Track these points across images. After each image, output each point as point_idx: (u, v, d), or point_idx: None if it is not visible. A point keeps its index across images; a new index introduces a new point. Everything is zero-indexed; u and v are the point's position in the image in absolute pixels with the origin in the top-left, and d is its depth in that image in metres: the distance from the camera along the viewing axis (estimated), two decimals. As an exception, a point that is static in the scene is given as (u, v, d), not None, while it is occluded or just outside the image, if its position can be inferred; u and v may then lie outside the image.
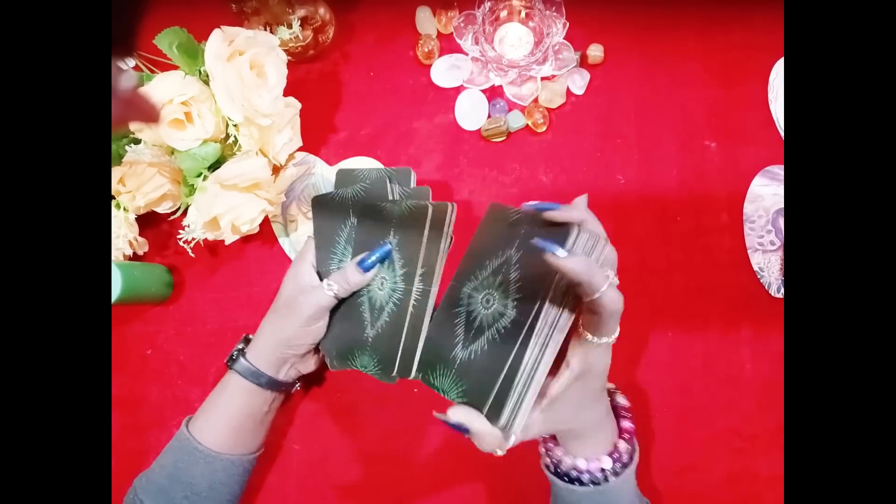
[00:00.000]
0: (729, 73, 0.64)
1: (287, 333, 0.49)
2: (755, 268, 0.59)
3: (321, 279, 0.50)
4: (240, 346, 0.51)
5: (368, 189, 0.51)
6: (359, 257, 0.48)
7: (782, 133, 0.62)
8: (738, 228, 0.60)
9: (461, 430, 0.40)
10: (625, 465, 0.43)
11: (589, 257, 0.38)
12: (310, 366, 0.53)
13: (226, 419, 0.49)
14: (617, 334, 0.39)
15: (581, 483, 0.42)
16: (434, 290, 0.48)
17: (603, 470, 0.42)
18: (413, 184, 0.52)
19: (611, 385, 0.47)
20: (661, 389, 0.57)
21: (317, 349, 0.52)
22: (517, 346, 0.39)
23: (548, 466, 0.45)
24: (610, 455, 0.43)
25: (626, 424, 0.45)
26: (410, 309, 0.48)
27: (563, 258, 0.34)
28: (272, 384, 0.50)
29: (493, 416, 0.39)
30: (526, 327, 0.39)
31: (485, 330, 0.42)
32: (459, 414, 0.40)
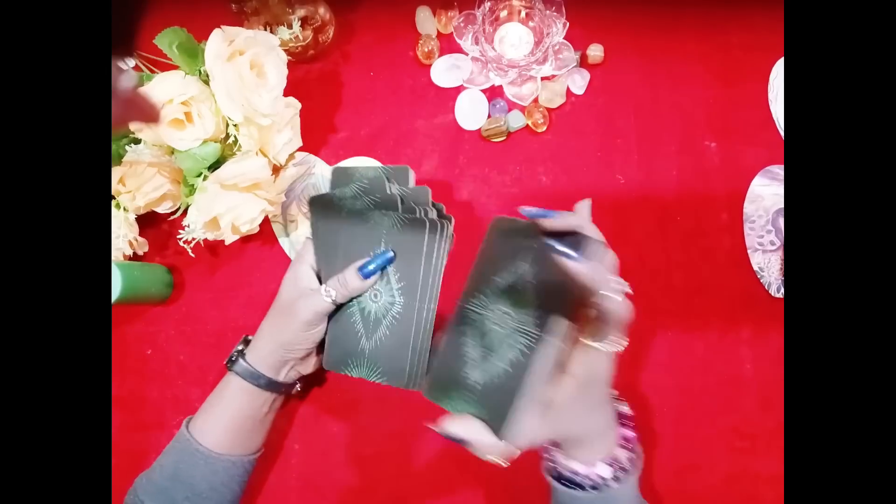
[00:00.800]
0: (729, 73, 0.64)
1: (286, 337, 0.49)
2: (755, 268, 0.59)
3: (321, 280, 0.50)
4: (239, 348, 0.51)
5: (367, 188, 0.51)
6: (358, 263, 0.48)
7: (782, 133, 0.62)
8: (738, 228, 0.60)
9: (459, 441, 0.39)
10: (626, 472, 0.42)
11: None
12: (309, 367, 0.53)
13: (226, 420, 0.49)
14: (625, 344, 0.39)
15: (583, 488, 0.42)
16: (434, 305, 0.48)
17: (601, 477, 0.42)
18: (412, 183, 0.52)
19: (613, 392, 0.47)
20: (661, 390, 0.57)
21: (318, 350, 0.52)
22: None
23: (549, 471, 0.45)
24: (608, 463, 0.42)
25: (626, 433, 0.44)
26: (414, 324, 0.48)
27: (574, 263, 0.35)
28: (272, 385, 0.50)
29: (496, 427, 0.39)
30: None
31: (506, 350, 0.41)
32: (456, 426, 0.39)
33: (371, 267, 0.48)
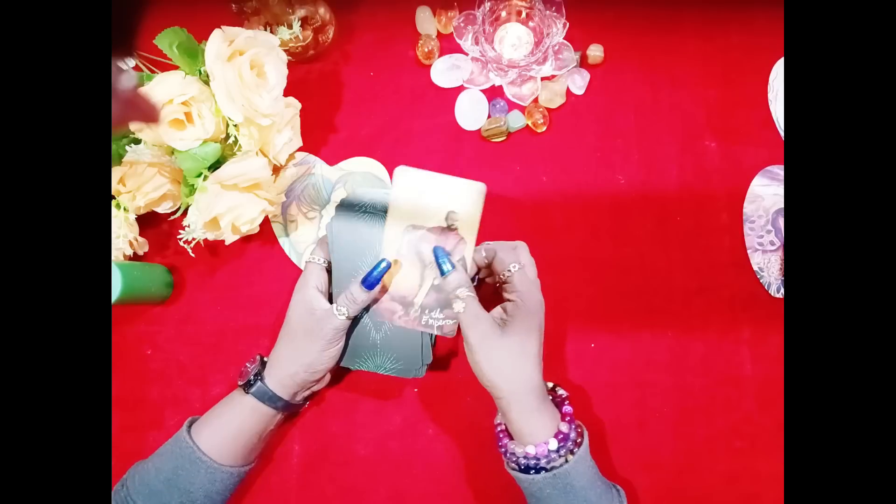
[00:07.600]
0: (729, 73, 0.64)
1: (309, 359, 0.49)
2: (755, 268, 0.59)
3: (330, 301, 0.51)
4: (257, 370, 0.51)
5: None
6: (360, 277, 0.49)
7: (782, 133, 0.62)
8: (738, 228, 0.60)
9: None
10: (576, 445, 0.45)
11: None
12: (323, 384, 0.54)
13: (233, 434, 0.49)
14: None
15: (537, 471, 0.45)
16: None
17: (553, 452, 0.45)
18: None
19: (549, 383, 0.50)
20: (661, 389, 0.57)
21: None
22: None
23: (511, 466, 0.47)
24: (556, 437, 0.45)
25: (566, 409, 0.47)
26: None
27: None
28: (286, 407, 0.51)
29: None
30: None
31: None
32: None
33: (372, 277, 0.49)
